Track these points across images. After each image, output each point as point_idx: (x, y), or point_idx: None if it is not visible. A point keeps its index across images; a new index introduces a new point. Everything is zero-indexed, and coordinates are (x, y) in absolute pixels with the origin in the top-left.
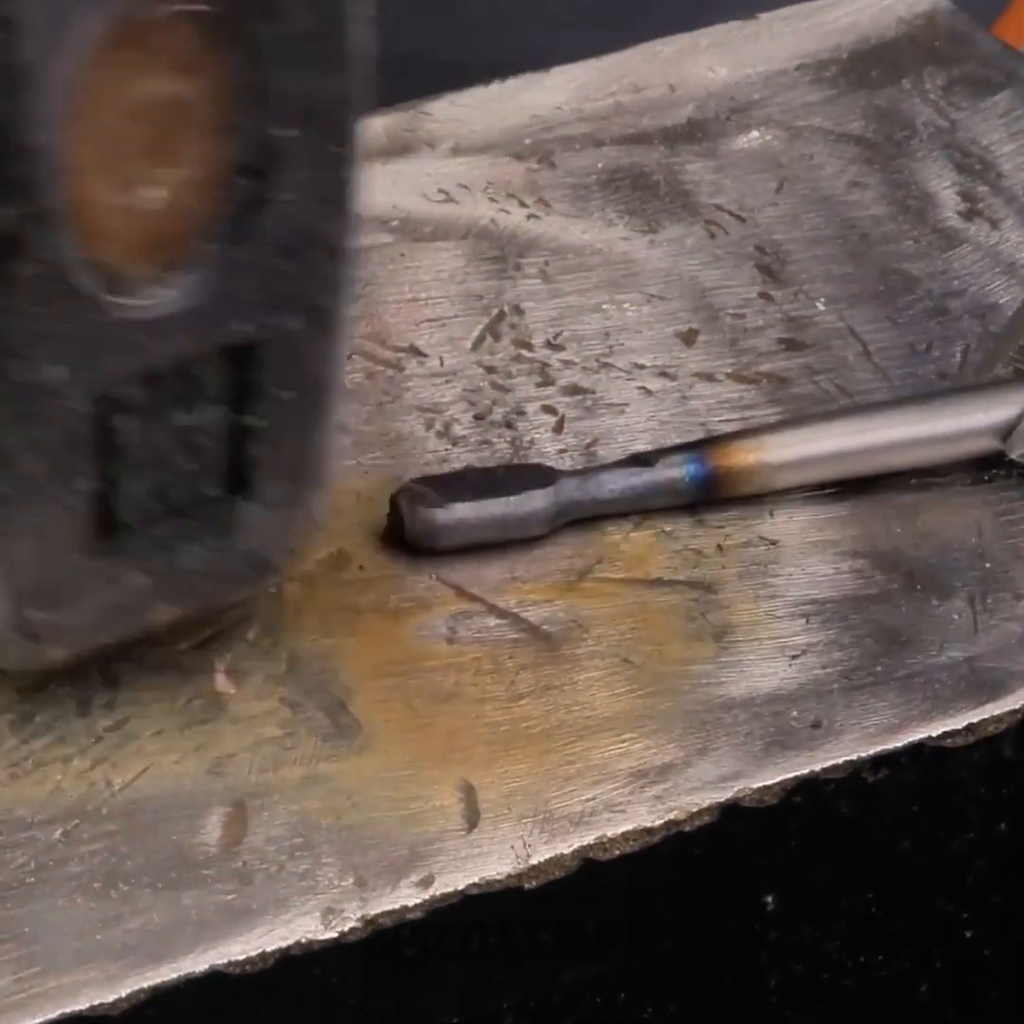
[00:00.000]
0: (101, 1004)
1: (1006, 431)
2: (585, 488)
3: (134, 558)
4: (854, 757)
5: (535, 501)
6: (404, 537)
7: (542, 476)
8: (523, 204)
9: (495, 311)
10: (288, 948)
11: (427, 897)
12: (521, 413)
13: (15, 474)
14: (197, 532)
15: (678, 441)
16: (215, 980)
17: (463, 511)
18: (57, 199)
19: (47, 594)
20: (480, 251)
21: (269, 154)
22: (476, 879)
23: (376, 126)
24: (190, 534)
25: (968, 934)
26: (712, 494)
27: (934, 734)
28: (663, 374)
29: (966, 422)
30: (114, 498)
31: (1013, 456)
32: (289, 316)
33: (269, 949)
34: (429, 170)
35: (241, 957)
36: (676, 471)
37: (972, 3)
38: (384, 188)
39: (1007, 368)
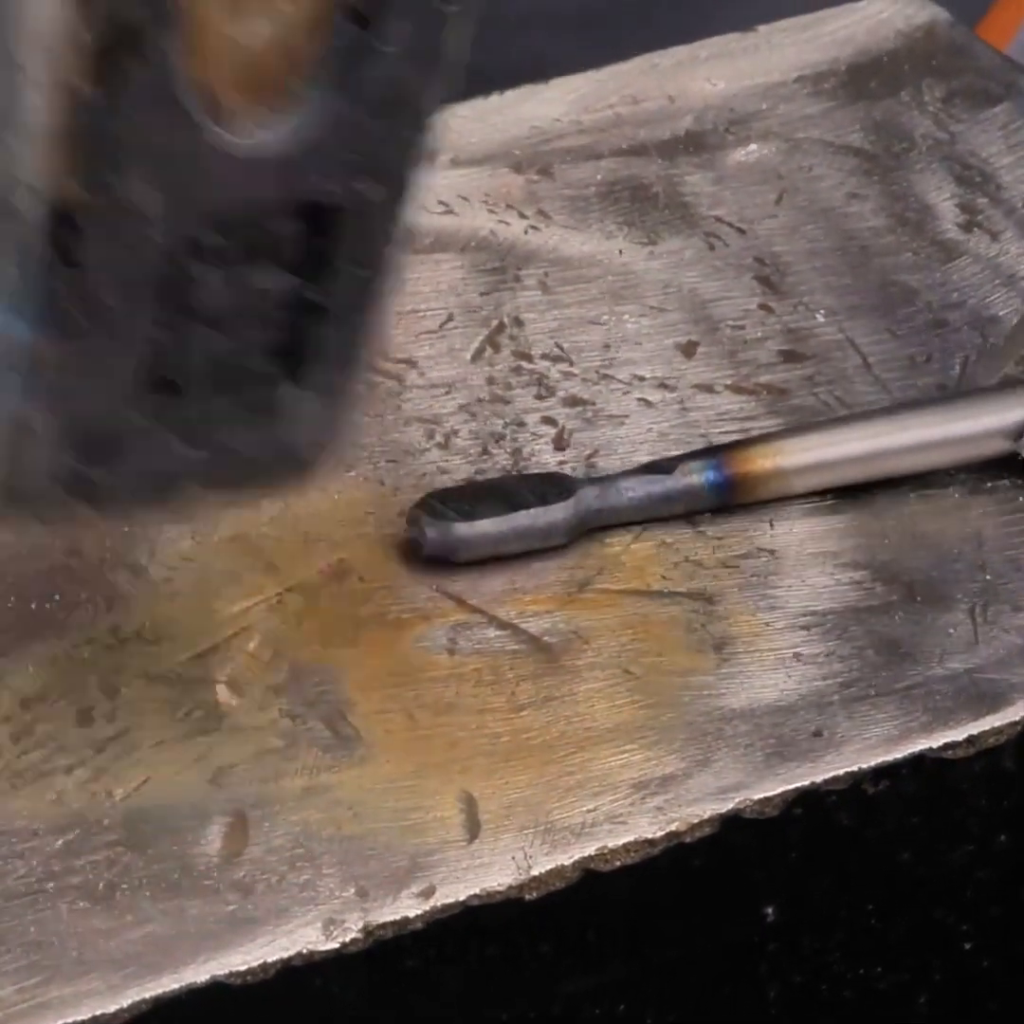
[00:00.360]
0: (103, 1014)
1: (1018, 432)
2: (605, 497)
3: (180, 425)
4: (855, 768)
5: (556, 512)
6: (422, 552)
7: (561, 486)
8: (522, 216)
9: (495, 323)
10: (289, 959)
11: (428, 908)
12: (521, 424)
13: (93, 303)
14: (242, 411)
15: (678, 452)
16: (216, 990)
17: (484, 525)
18: (177, 4)
19: (94, 445)
20: (479, 263)
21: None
22: (477, 890)
23: None
24: (235, 412)
25: (967, 946)
26: (730, 500)
27: (935, 746)
28: (663, 386)
29: (979, 425)
30: (172, 354)
31: None
32: (371, 182)
33: (270, 960)
34: (428, 182)
35: (242, 968)
36: (695, 478)
37: (958, 4)
38: None
39: (1018, 368)
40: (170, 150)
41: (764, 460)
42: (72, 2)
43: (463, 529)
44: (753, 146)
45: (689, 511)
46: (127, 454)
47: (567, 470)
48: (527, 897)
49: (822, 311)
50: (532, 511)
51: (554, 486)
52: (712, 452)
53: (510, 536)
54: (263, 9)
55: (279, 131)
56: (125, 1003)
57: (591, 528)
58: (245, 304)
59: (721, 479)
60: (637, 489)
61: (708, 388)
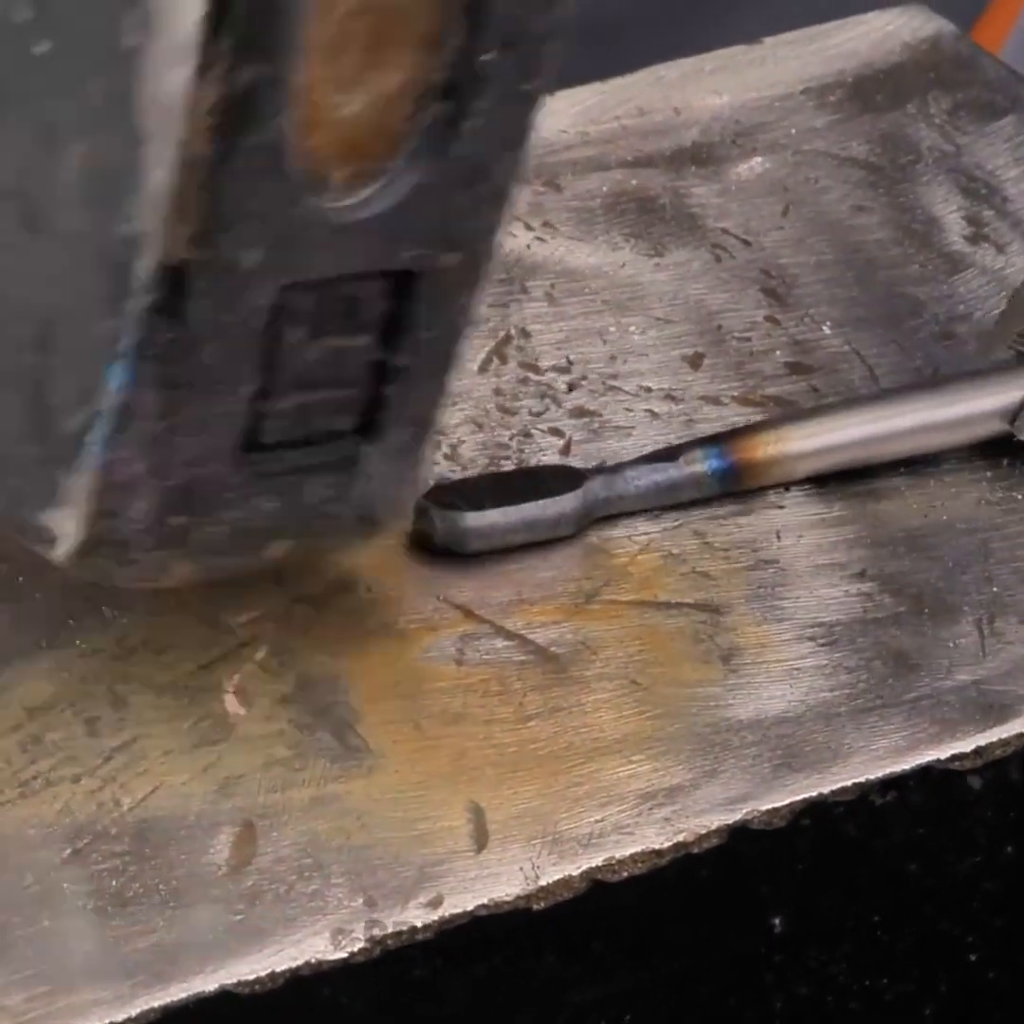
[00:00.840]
0: (111, 1023)
1: (1013, 414)
2: (612, 486)
3: (267, 480)
4: (862, 779)
5: (565, 503)
6: (433, 543)
7: (568, 476)
8: (529, 227)
9: (502, 334)
10: (297, 968)
11: (436, 918)
12: (528, 435)
13: (194, 358)
14: (323, 467)
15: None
16: (225, 1000)
17: (493, 516)
18: (293, 73)
19: (190, 499)
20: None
21: (469, 75)
22: (485, 900)
23: None
24: (317, 468)
25: (973, 957)
26: (735, 486)
27: (942, 757)
28: (669, 397)
29: (976, 406)
30: (263, 412)
31: (1022, 437)
32: (451, 249)
33: (278, 969)
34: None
35: (250, 977)
36: (699, 466)
37: (951, 8)
38: None
39: (1009, 352)
40: (274, 215)
41: (768, 446)
42: (197, 75)
43: (472, 519)
44: (759, 158)
45: (693, 499)
46: (218, 507)
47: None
48: (535, 907)
49: (828, 323)
50: (541, 502)
51: (561, 477)
52: (715, 439)
53: (519, 526)
54: (365, 85)
55: (372, 197)
56: (134, 1012)
57: (598, 518)
58: (331, 364)
59: (725, 466)
60: (643, 477)
61: (715, 400)
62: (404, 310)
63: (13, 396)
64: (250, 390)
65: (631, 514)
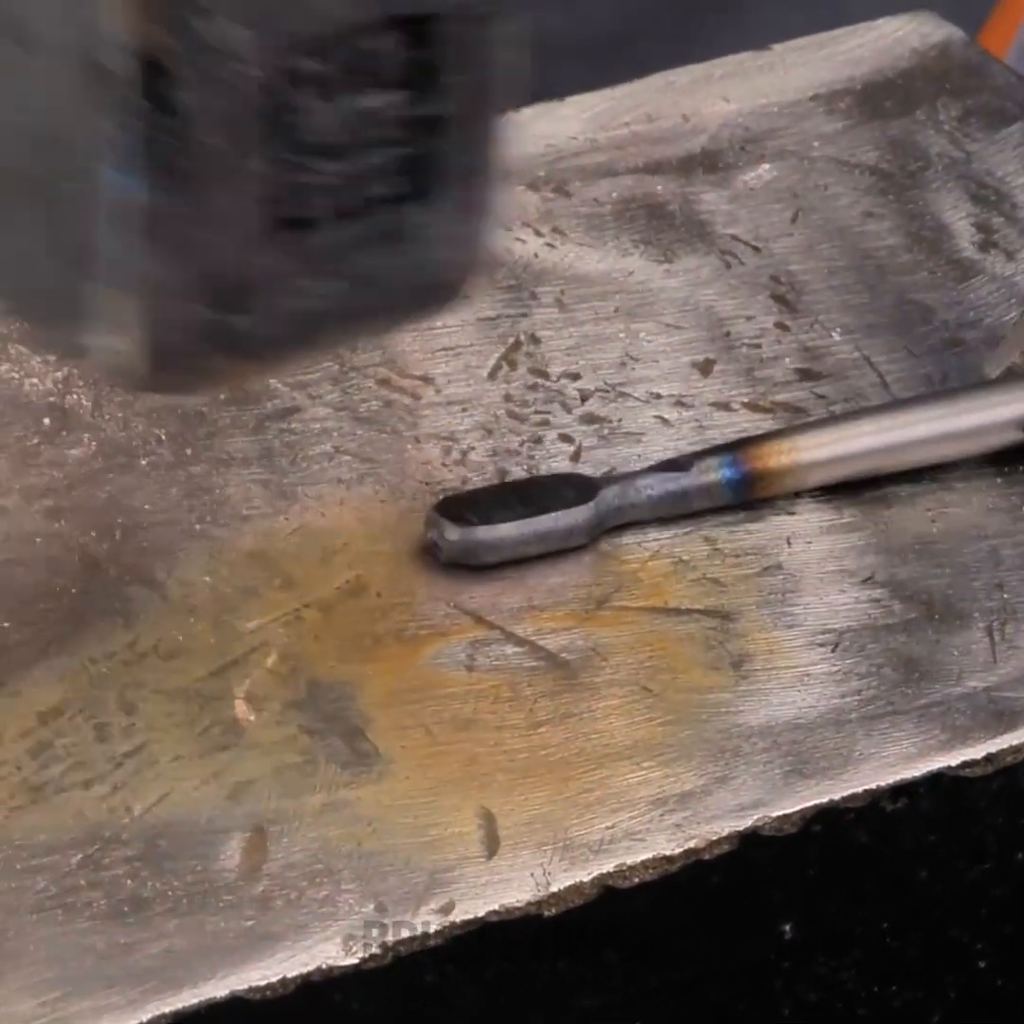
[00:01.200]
0: None
1: None
2: (625, 496)
3: (314, 260)
4: (873, 786)
5: (578, 514)
6: (442, 556)
7: (580, 486)
8: (539, 233)
9: (511, 340)
10: (309, 974)
11: (447, 924)
12: (538, 441)
13: (199, 149)
14: (374, 237)
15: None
16: (236, 1006)
17: (505, 529)
18: None
19: (229, 293)
20: (496, 280)
21: None
22: (496, 906)
23: None
24: (367, 239)
25: (982, 964)
26: (747, 495)
27: (953, 764)
28: (680, 403)
29: (989, 416)
30: (292, 190)
31: None
32: None
33: (290, 975)
34: None
35: (262, 983)
36: (712, 475)
37: (957, 14)
38: None
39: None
40: None
41: (781, 456)
42: None
43: (483, 533)
44: (768, 165)
45: (705, 508)
46: (263, 297)
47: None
48: (546, 913)
49: (838, 329)
50: (554, 514)
51: (573, 487)
52: (727, 448)
53: (531, 539)
54: None
55: None
56: (145, 1018)
57: (610, 527)
58: (357, 128)
59: (738, 475)
60: (656, 487)
61: (725, 406)
62: (427, 58)
63: (34, 215)
64: (272, 170)
65: (642, 522)
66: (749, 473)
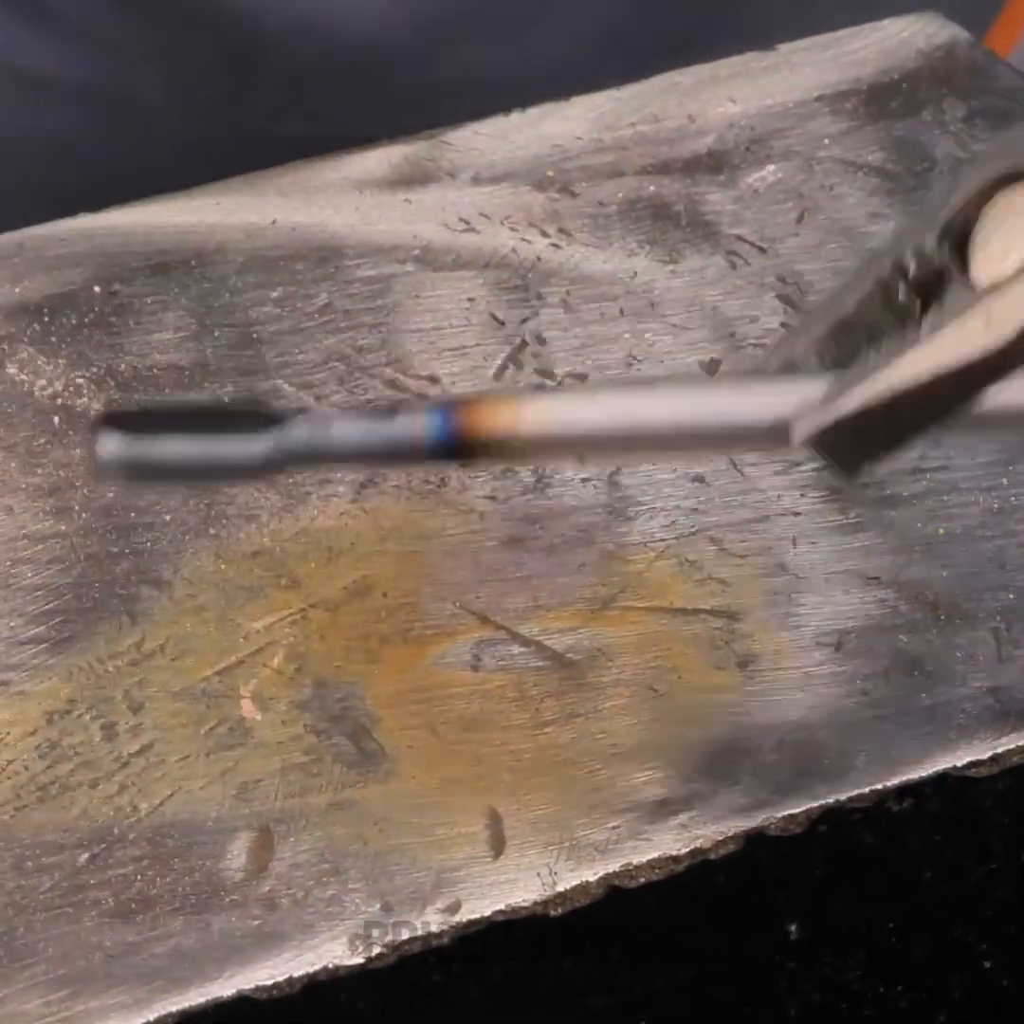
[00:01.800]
0: None
1: (782, 425)
2: (314, 434)
3: None
4: (879, 786)
5: (255, 443)
6: (99, 469)
7: (269, 419)
8: (544, 233)
9: (517, 340)
10: (315, 973)
11: (453, 923)
12: None
13: None
14: None
15: (694, 470)
16: (243, 1005)
17: (171, 444)
18: None
19: None
20: (501, 280)
21: None
22: (502, 906)
23: (396, 155)
24: None
25: (987, 964)
26: (459, 456)
27: (959, 764)
28: None
29: (746, 411)
30: None
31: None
32: None
33: (296, 974)
34: (450, 199)
35: (268, 982)
36: (417, 429)
37: (963, 15)
38: (404, 217)
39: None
40: None
41: (499, 420)
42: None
43: (145, 446)
44: (774, 165)
45: (415, 462)
46: None
47: (590, 487)
48: (552, 913)
49: None
50: (229, 439)
51: (262, 417)
52: (444, 405)
53: (199, 463)
54: None
55: None
56: (152, 1017)
57: (303, 466)
58: None
59: (445, 434)
60: (351, 432)
61: None
62: None
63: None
64: None
65: (647, 521)
66: (459, 433)
